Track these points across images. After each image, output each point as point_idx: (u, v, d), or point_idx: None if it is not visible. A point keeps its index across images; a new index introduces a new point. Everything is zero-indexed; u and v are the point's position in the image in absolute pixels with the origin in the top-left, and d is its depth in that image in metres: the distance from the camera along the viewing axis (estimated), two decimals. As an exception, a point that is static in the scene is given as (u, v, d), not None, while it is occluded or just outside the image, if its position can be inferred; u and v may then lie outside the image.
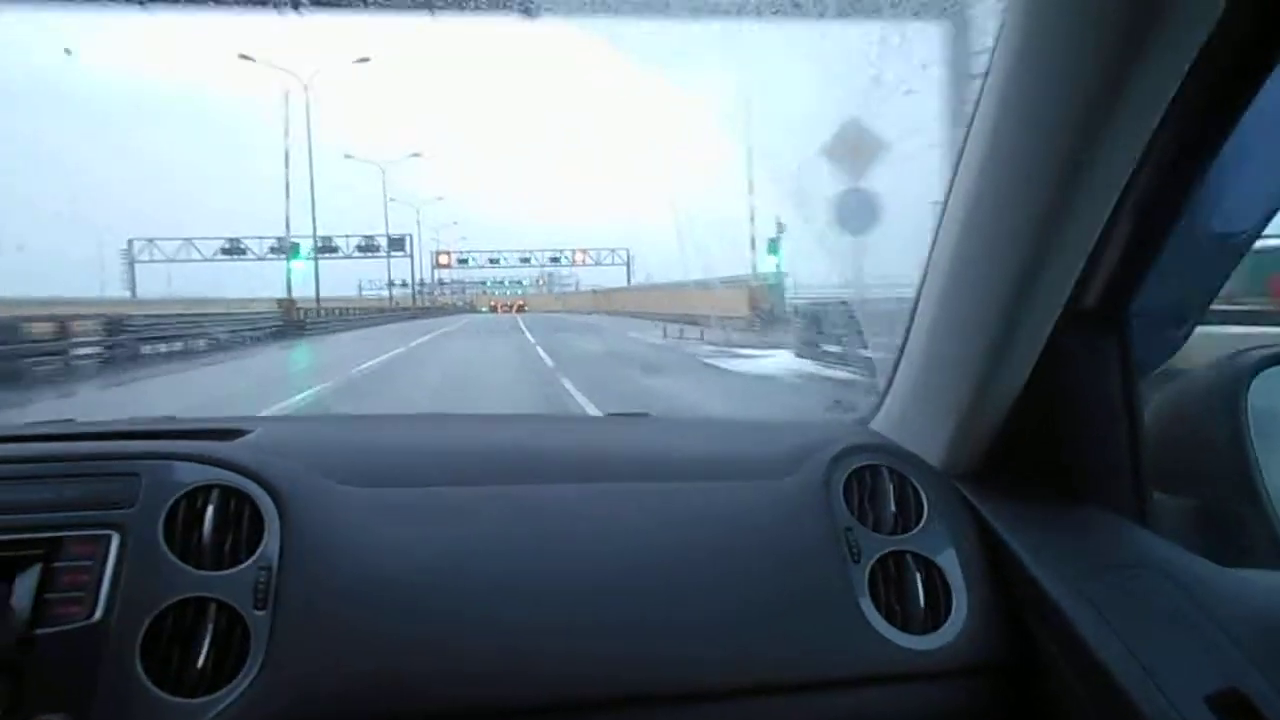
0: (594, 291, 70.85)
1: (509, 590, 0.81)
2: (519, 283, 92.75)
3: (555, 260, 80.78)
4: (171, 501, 0.78)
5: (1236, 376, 0.86)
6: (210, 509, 0.79)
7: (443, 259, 78.25)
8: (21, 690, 0.67)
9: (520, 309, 78.47)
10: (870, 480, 0.94)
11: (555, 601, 0.82)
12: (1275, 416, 0.89)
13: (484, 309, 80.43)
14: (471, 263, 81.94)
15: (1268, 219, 0.82)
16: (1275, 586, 0.79)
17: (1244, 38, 0.64)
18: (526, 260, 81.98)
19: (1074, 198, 0.73)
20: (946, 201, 0.88)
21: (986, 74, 0.76)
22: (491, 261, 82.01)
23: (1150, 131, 0.70)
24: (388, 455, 0.96)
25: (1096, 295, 0.82)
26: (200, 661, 0.71)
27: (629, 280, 67.47)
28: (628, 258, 72.69)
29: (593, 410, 8.02)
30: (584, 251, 77.04)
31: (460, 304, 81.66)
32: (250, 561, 0.77)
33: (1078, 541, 0.86)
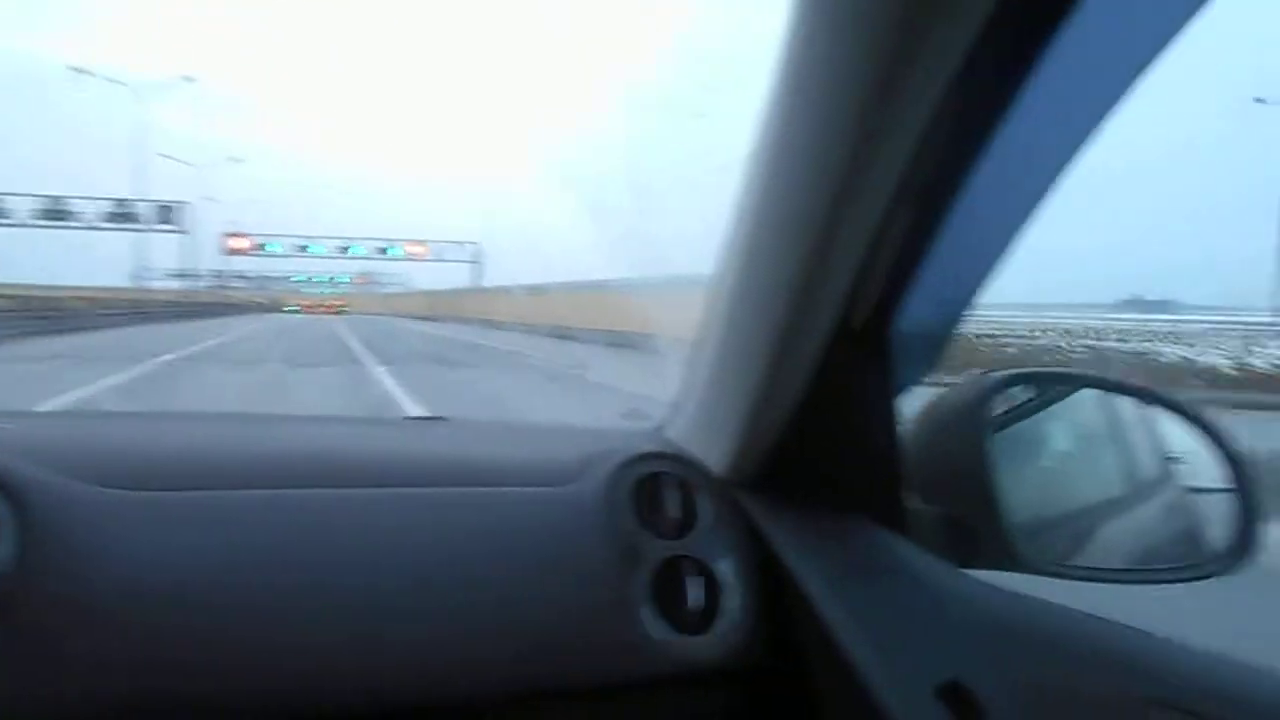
0: (428, 294, 61.14)
1: (280, 602, 0.78)
2: (336, 279, 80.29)
3: (385, 251, 68.73)
4: None
5: (980, 395, 0.94)
6: None
7: (236, 242, 63.26)
8: None
9: (339, 311, 66.78)
10: (654, 487, 0.97)
11: (330, 613, 0.79)
12: (1012, 432, 0.99)
13: (291, 308, 67.40)
14: (276, 249, 67.24)
15: (1007, 244, 0.90)
16: (999, 585, 0.88)
17: (984, 78, 0.69)
18: (347, 250, 69.11)
19: (839, 221, 0.78)
20: (738, 206, 0.92)
21: (771, 83, 0.80)
22: (302, 249, 67.59)
23: (904, 162, 0.74)
24: (160, 456, 0.90)
25: (862, 315, 0.88)
26: None
27: (482, 280, 59.27)
28: (477, 254, 63.63)
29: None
30: (420, 244, 66.09)
31: (262, 301, 68.81)
32: None
33: (839, 548, 0.93)
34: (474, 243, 65.93)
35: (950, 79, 0.67)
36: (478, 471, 0.97)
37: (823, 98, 0.71)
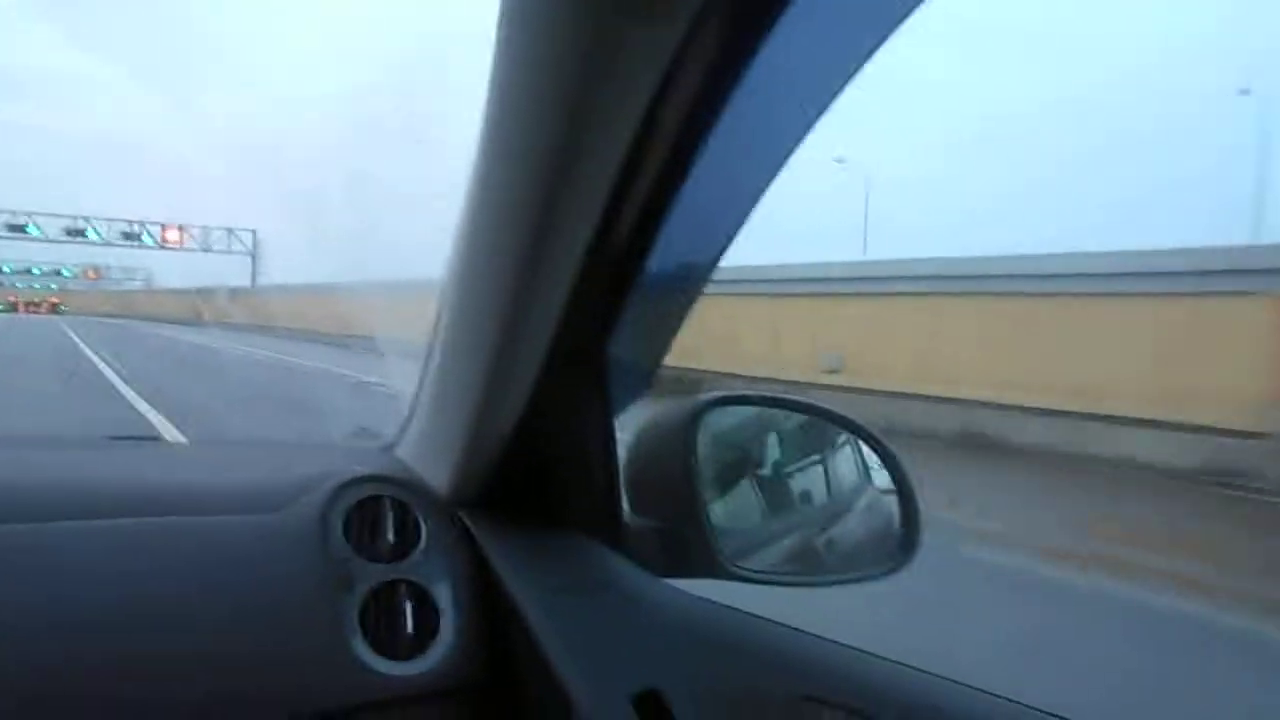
0: (176, 292, 49.43)
1: None
2: (62, 271, 66.58)
3: (132, 237, 51.36)
4: None
5: (690, 414, 1.00)
6: None
7: None
8: None
9: (56, 309, 59.28)
10: (373, 510, 0.95)
11: (17, 666, 0.72)
12: (719, 449, 1.06)
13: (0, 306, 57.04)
14: None
15: (711, 267, 0.95)
16: (695, 592, 0.94)
17: (686, 104, 0.70)
18: (83, 233, 50.64)
19: (549, 246, 0.80)
20: (459, 228, 0.92)
21: (483, 109, 0.81)
22: (16, 229, 48.95)
23: (611, 186, 0.76)
24: None
25: (575, 338, 0.91)
26: None
27: (253, 278, 48.03)
28: (253, 242, 50.27)
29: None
30: (180, 229, 50.05)
31: None
32: None
33: (555, 565, 0.95)
34: (250, 230, 51.47)
35: (652, 96, 0.68)
36: (188, 499, 0.92)
37: (526, 123, 0.73)
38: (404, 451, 1.09)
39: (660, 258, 0.87)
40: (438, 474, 1.01)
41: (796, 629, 0.88)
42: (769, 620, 0.89)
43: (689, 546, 0.97)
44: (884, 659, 0.84)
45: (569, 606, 0.88)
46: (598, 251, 0.82)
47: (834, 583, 1.03)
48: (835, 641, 0.86)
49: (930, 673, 0.82)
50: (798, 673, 0.84)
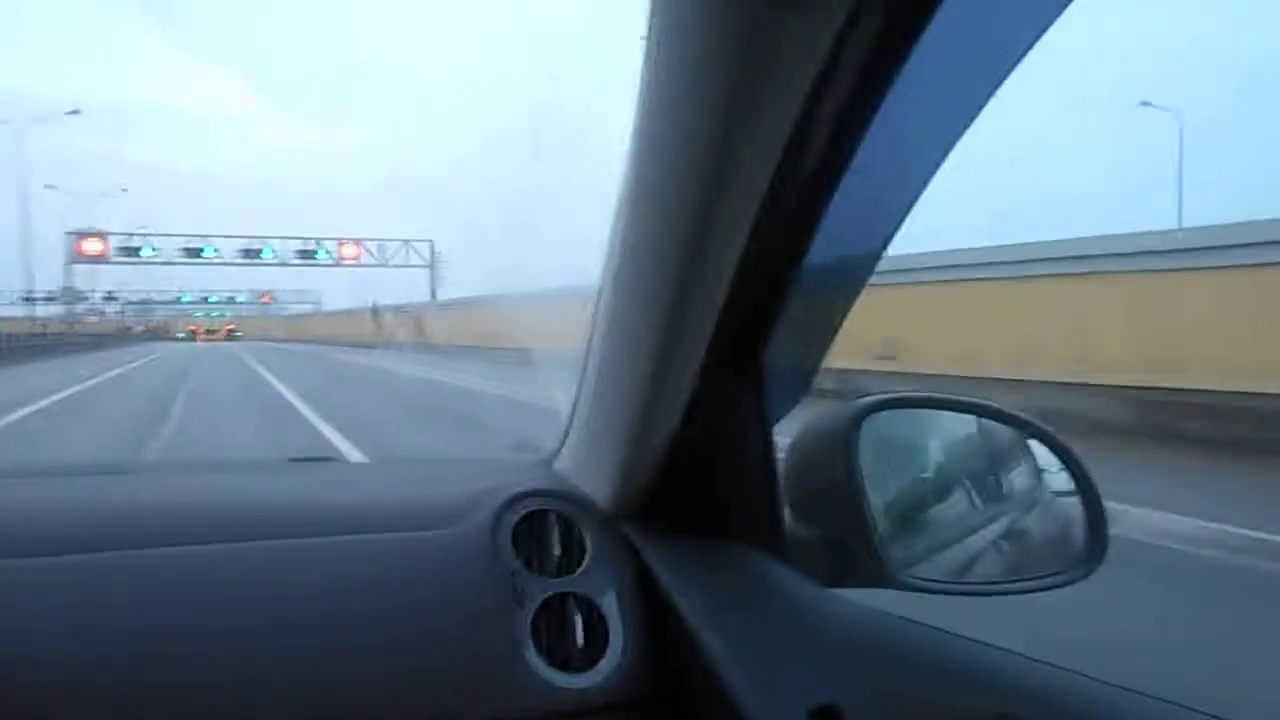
0: (350, 313, 45.92)
1: (146, 676, 0.75)
2: (236, 298, 66.54)
3: (308, 255, 48.24)
4: None
5: (852, 419, 0.97)
6: None
7: (90, 245, 40.80)
8: None
9: (232, 335, 61.12)
10: (538, 524, 0.97)
11: (205, 680, 0.77)
12: (884, 453, 1.02)
13: (182, 335, 61.07)
14: (149, 252, 44.99)
15: (872, 263, 0.93)
16: (869, 605, 0.91)
17: (843, 103, 0.69)
18: (259, 253, 47.44)
19: (705, 250, 0.79)
20: (611, 237, 0.93)
21: (635, 113, 0.81)
22: (189, 253, 46.20)
23: (767, 194, 0.75)
24: (10, 519, 0.86)
25: (732, 346, 0.90)
26: None
27: (433, 291, 45.14)
28: (431, 254, 47.18)
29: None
30: (356, 243, 47.51)
31: (140, 330, 58.82)
32: None
33: (718, 576, 0.94)
34: (428, 240, 48.61)
35: (810, 89, 0.67)
36: (362, 517, 0.96)
37: (681, 122, 0.72)
38: (563, 464, 1.11)
39: (818, 256, 0.85)
40: (597, 486, 1.03)
41: (987, 643, 0.84)
42: (954, 634, 0.85)
43: (855, 555, 0.94)
44: (1091, 678, 0.79)
45: (736, 619, 0.87)
46: (754, 253, 0.81)
47: (1015, 591, 0.98)
48: (1032, 658, 0.82)
49: (1150, 695, 0.76)
50: (992, 690, 0.80)
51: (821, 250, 0.84)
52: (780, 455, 0.99)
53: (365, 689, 0.81)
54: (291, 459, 1.36)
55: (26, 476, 1.25)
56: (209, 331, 66.78)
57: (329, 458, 1.27)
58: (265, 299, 67.30)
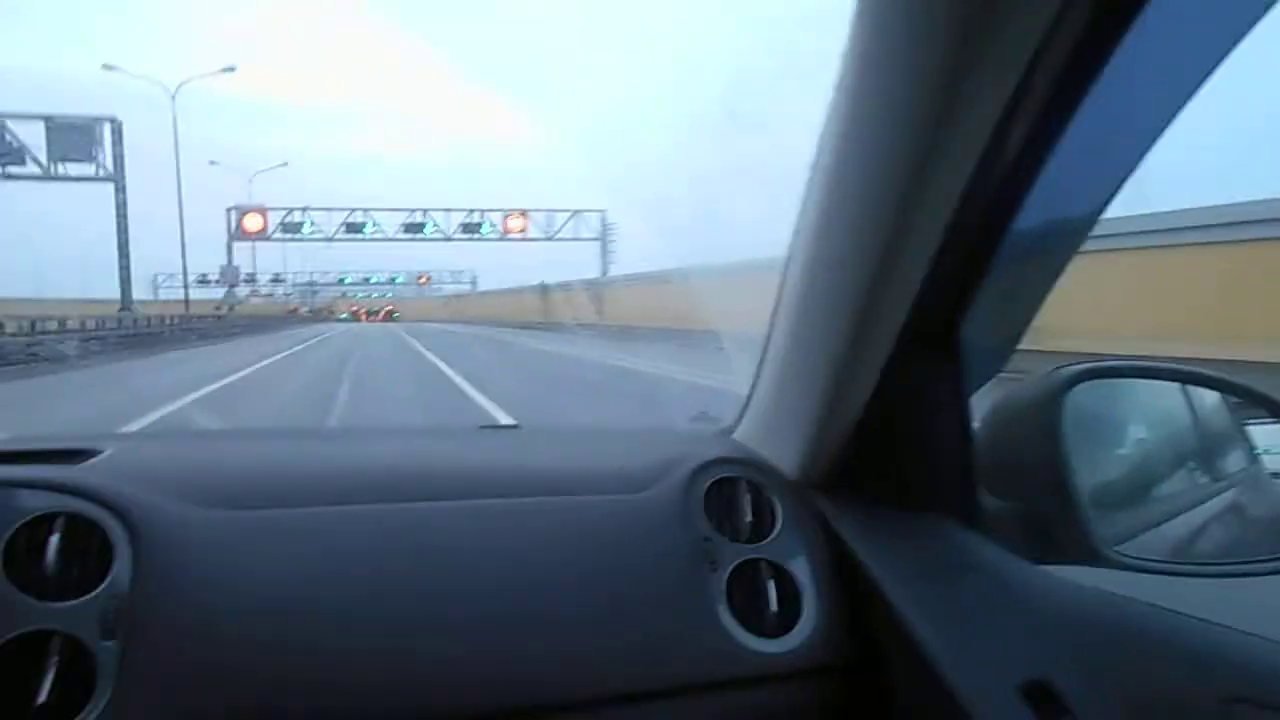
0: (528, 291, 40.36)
1: (373, 613, 0.81)
2: (391, 279, 66.97)
3: (472, 229, 45.75)
4: (10, 533, 0.75)
5: (1054, 390, 0.94)
6: (54, 538, 0.76)
7: (251, 221, 40.52)
8: None
9: (391, 316, 61.75)
10: (729, 491, 0.99)
11: (420, 623, 0.82)
12: (1086, 425, 0.98)
13: (343, 316, 62.10)
14: (310, 228, 44.21)
15: (1078, 239, 0.89)
16: (1079, 582, 0.87)
17: (1056, 77, 0.68)
18: (419, 228, 45.31)
19: (908, 224, 0.79)
20: (797, 224, 0.93)
21: (836, 88, 0.81)
22: (351, 228, 44.93)
23: (973, 164, 0.74)
24: (249, 476, 0.95)
25: (930, 316, 0.88)
26: (43, 696, 0.69)
27: (604, 267, 41.45)
28: (603, 226, 43.23)
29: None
30: (522, 214, 44.44)
31: (305, 311, 59.86)
32: (98, 591, 0.75)
33: (913, 546, 0.93)
34: (599, 211, 43.63)
35: (1019, 77, 0.67)
36: (554, 480, 1.00)
37: (890, 96, 0.72)
38: (744, 434, 1.12)
39: (1021, 231, 0.82)
40: (783, 456, 1.03)
41: (1215, 623, 0.80)
42: (1177, 612, 0.81)
43: (1058, 531, 0.91)
44: None
45: (937, 590, 0.86)
46: (957, 228, 0.80)
47: (1239, 574, 0.92)
48: (1269, 638, 0.77)
49: None
50: (1221, 671, 0.76)
51: (1026, 223, 0.82)
52: (978, 425, 0.97)
53: (565, 649, 0.85)
54: (482, 427, 1.43)
55: (249, 436, 1.37)
56: (370, 313, 67.92)
57: (515, 425, 1.33)
58: (422, 280, 67.55)
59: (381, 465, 1.03)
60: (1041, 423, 0.92)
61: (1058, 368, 0.98)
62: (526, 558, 0.89)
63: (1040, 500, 0.92)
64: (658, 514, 0.95)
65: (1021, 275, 0.90)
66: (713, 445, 1.09)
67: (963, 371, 0.94)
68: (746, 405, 1.13)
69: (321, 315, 63.97)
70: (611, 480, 1.01)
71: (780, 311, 1.00)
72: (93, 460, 0.90)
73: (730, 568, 0.92)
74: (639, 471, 1.01)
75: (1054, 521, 0.90)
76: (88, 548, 0.77)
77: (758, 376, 1.09)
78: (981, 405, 0.99)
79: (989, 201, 0.79)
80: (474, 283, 64.91)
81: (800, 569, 0.94)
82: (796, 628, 0.90)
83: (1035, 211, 0.81)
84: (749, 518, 0.97)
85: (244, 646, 0.76)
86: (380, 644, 0.80)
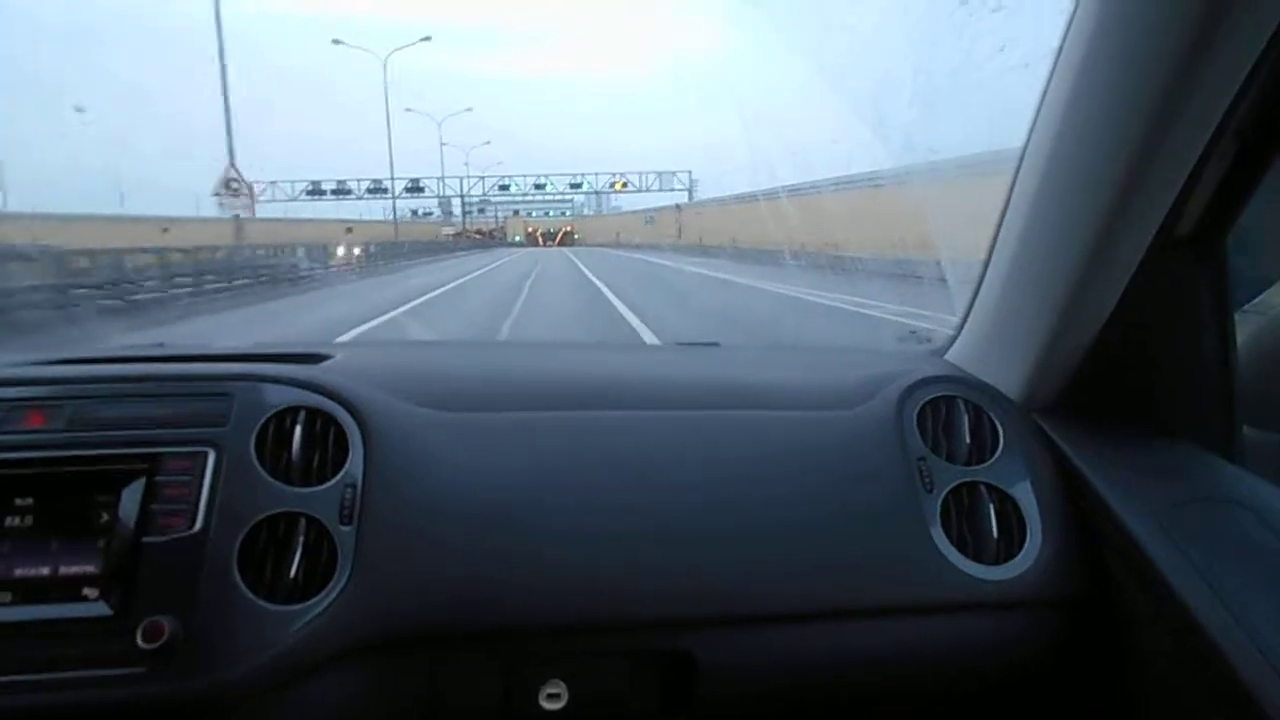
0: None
1: (585, 510, 0.83)
2: (564, 209, 69.30)
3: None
4: (262, 421, 0.82)
5: None
6: (298, 429, 0.82)
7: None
8: (131, 593, 0.71)
9: (567, 237, 62.30)
10: (945, 411, 0.94)
11: (628, 524, 0.83)
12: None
13: (518, 239, 63.67)
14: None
15: None
16: None
17: None
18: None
19: (1172, 118, 0.69)
20: (1035, 119, 0.84)
21: None
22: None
23: (1258, 51, 0.65)
24: (463, 381, 0.98)
25: (1193, 221, 0.79)
26: (292, 572, 0.75)
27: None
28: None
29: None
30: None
31: (484, 235, 63.18)
32: (336, 480, 0.80)
33: (1159, 475, 0.85)
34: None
35: None
36: (758, 395, 0.98)
37: None
38: (959, 355, 1.05)
39: None
40: (1005, 376, 0.96)
41: None
42: None
43: None
44: None
45: (1188, 527, 0.78)
46: (1231, 118, 0.70)
47: None
48: None
49: None
50: None
51: None
52: (1241, 346, 0.86)
53: (771, 562, 0.84)
54: (680, 344, 1.42)
55: (461, 346, 1.43)
56: (546, 235, 66.37)
57: (715, 343, 1.31)
58: (618, 185, 61.42)
59: (586, 374, 1.04)
60: None
61: None
62: (730, 470, 0.88)
63: None
64: (868, 431, 0.92)
65: None
66: (925, 365, 1.03)
67: (1226, 281, 0.84)
68: (963, 323, 1.06)
69: (496, 238, 64.18)
70: (818, 396, 0.97)
71: (1007, 222, 0.92)
72: (325, 363, 0.96)
73: (947, 490, 0.87)
74: (847, 388, 0.97)
75: None
76: (325, 440, 0.82)
77: (976, 291, 1.02)
78: (1246, 325, 0.87)
79: (1273, 93, 0.68)
80: (692, 190, 58.38)
81: (1024, 494, 0.88)
82: (1019, 556, 0.85)
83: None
84: (968, 439, 0.91)
85: (466, 529, 0.80)
86: (587, 546, 0.82)
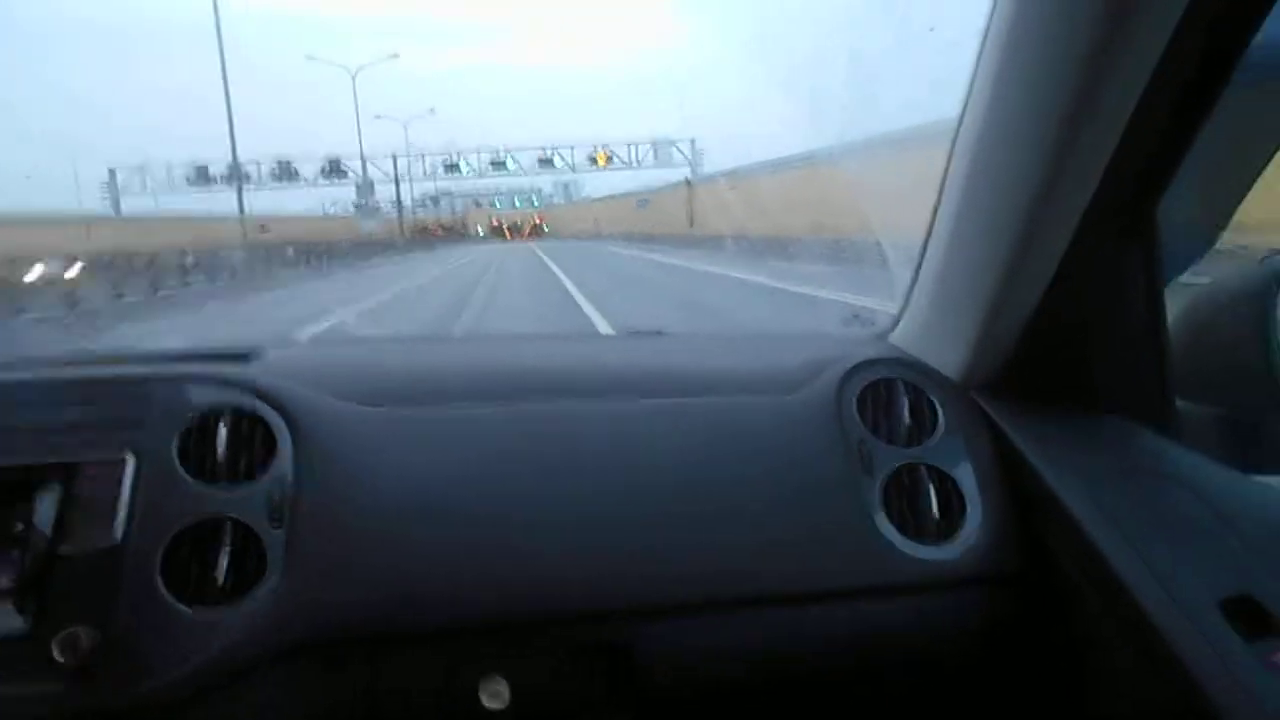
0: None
1: (521, 505, 0.82)
2: (535, 195, 64.75)
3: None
4: (185, 423, 0.79)
5: (1265, 282, 0.83)
6: (222, 430, 0.80)
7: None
8: (47, 606, 0.69)
9: (535, 230, 56.76)
10: (885, 393, 0.94)
11: (566, 515, 0.82)
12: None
13: (481, 234, 58.95)
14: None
15: None
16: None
17: None
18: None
19: (1097, 89, 0.69)
20: (967, 98, 0.84)
21: None
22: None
23: (1177, 19, 0.65)
24: (400, 376, 0.96)
25: (1121, 197, 0.79)
26: (220, 577, 0.73)
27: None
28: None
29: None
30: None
31: (442, 228, 58.40)
32: (264, 480, 0.78)
33: (1096, 451, 0.85)
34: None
35: None
36: (701, 382, 0.97)
37: None
38: (900, 337, 1.06)
39: (1237, 96, 0.71)
40: (945, 356, 0.96)
41: None
42: None
43: (1267, 435, 0.81)
44: None
45: (1121, 497, 0.79)
46: (1157, 91, 0.70)
47: None
48: None
49: None
50: None
51: (1244, 86, 0.71)
52: (1171, 322, 0.87)
53: (713, 549, 0.83)
54: (624, 332, 1.42)
55: (399, 341, 1.41)
56: (512, 228, 60.51)
57: (660, 331, 1.30)
58: (600, 158, 52.16)
59: (527, 366, 1.03)
60: (1253, 318, 0.82)
61: (1266, 257, 0.87)
62: (673, 457, 0.87)
63: (1246, 405, 0.82)
64: (809, 415, 0.91)
65: (1233, 148, 0.79)
66: (867, 348, 1.03)
67: (1157, 257, 0.84)
68: (904, 306, 1.06)
69: (456, 232, 60.17)
70: (760, 381, 0.97)
71: (943, 203, 0.92)
72: (254, 362, 0.93)
73: (887, 472, 0.87)
74: (789, 373, 0.97)
75: (1264, 427, 0.81)
76: (252, 441, 0.80)
77: (917, 273, 1.02)
78: (1176, 299, 0.88)
79: (1198, 58, 0.69)
80: (694, 164, 49.17)
81: (964, 474, 0.88)
82: (960, 535, 0.85)
83: (1253, 74, 0.70)
84: (907, 420, 0.91)
85: (398, 538, 0.78)
86: (526, 539, 0.80)
